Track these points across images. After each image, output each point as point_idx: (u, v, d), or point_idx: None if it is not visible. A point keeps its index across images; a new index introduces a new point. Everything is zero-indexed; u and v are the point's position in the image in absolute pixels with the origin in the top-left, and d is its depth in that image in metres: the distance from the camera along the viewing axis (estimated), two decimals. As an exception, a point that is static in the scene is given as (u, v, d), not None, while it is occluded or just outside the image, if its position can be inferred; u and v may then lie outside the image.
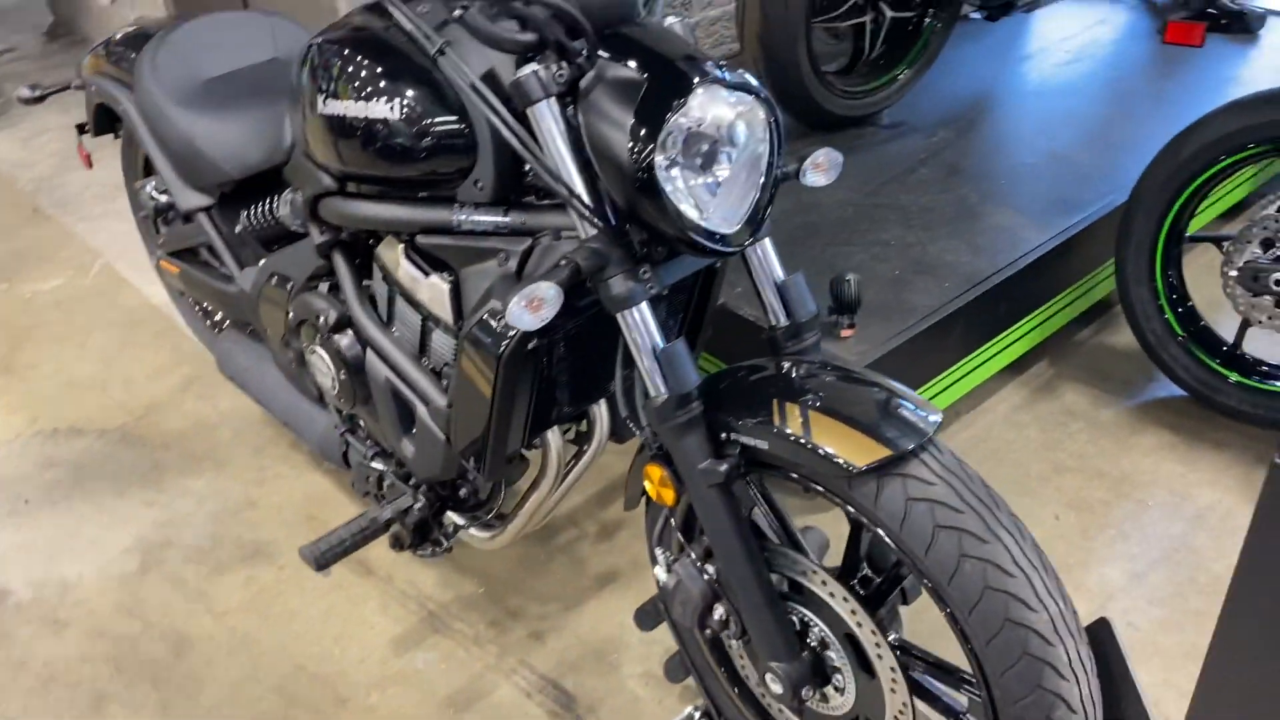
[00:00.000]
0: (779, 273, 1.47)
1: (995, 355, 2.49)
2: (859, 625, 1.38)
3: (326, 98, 1.51)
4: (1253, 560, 0.86)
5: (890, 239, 2.54)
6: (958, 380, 2.41)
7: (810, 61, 2.85)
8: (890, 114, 3.14)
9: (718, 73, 1.27)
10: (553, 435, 1.73)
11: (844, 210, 2.67)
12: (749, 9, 2.81)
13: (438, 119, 1.42)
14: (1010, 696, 1.22)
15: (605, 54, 1.30)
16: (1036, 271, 2.48)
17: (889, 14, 3.00)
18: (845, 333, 2.17)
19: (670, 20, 1.43)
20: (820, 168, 1.46)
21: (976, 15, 3.22)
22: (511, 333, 1.43)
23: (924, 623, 1.83)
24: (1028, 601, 1.19)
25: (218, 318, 2.59)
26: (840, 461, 1.25)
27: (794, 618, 1.44)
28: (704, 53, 1.32)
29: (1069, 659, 1.21)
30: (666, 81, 1.26)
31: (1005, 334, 2.49)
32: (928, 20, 3.10)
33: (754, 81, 1.31)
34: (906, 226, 2.59)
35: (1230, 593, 0.93)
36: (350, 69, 1.47)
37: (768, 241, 1.47)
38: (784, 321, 1.47)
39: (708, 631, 1.48)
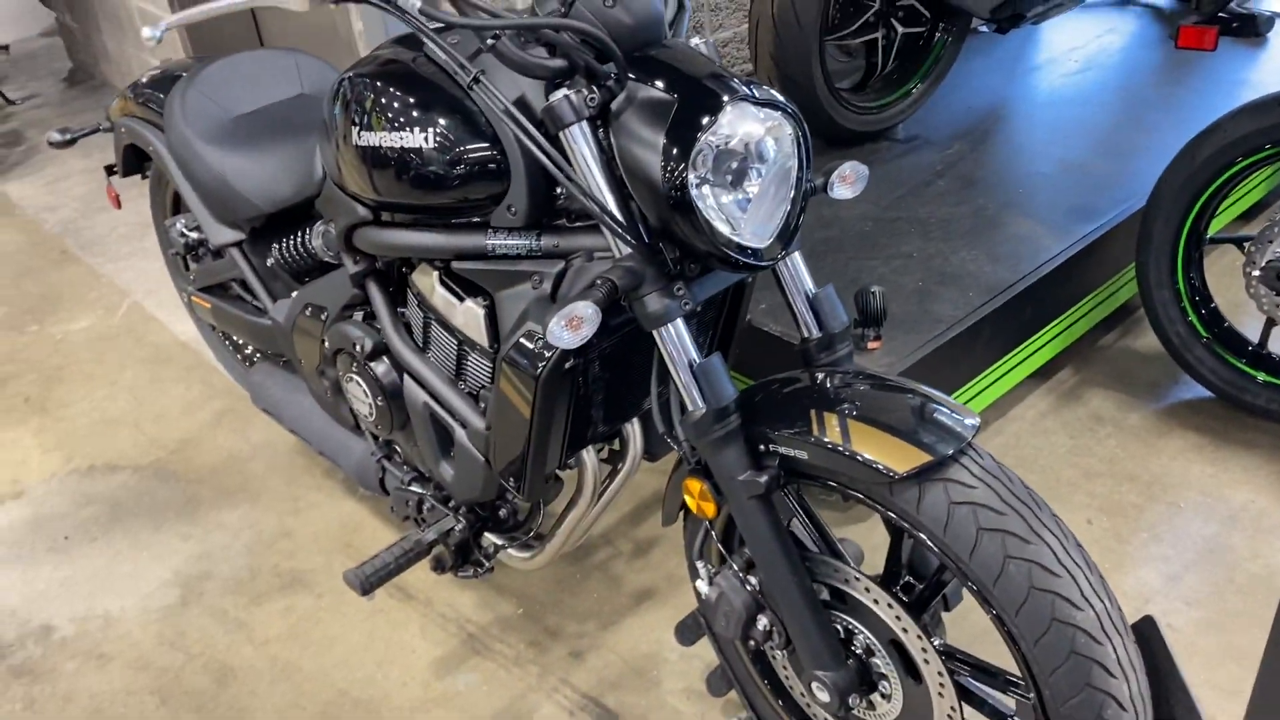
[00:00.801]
0: (810, 285, 1.49)
1: (1020, 363, 2.50)
2: (904, 631, 1.39)
3: (360, 130, 1.54)
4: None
5: (911, 251, 2.56)
6: (984, 389, 2.42)
7: (824, 78, 2.88)
8: (905, 128, 3.17)
9: (746, 90, 1.30)
10: (588, 454, 1.75)
11: (864, 224, 2.69)
12: (761, 29, 2.85)
13: (471, 146, 1.45)
14: (1060, 696, 1.23)
15: (634, 77, 1.33)
16: (1058, 278, 2.50)
17: (900, 30, 3.03)
18: (872, 345, 2.19)
19: (695, 41, 1.46)
20: (847, 180, 1.49)
21: (986, 28, 3.25)
22: (549, 353, 1.45)
23: (963, 629, 1.85)
24: (1073, 600, 1.20)
25: (249, 351, 2.62)
26: (881, 468, 1.26)
27: (838, 626, 1.45)
28: (730, 71, 1.35)
29: (1117, 657, 1.22)
30: (696, 101, 1.28)
31: (1029, 341, 2.50)
32: (938, 35, 3.14)
33: (781, 98, 1.34)
34: (927, 238, 2.61)
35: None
36: (383, 101, 1.50)
37: (798, 255, 1.49)
38: (816, 333, 1.49)
39: (751, 643, 1.49)
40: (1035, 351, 2.53)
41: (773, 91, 1.34)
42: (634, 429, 1.78)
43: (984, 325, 2.33)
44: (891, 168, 2.97)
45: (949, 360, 2.29)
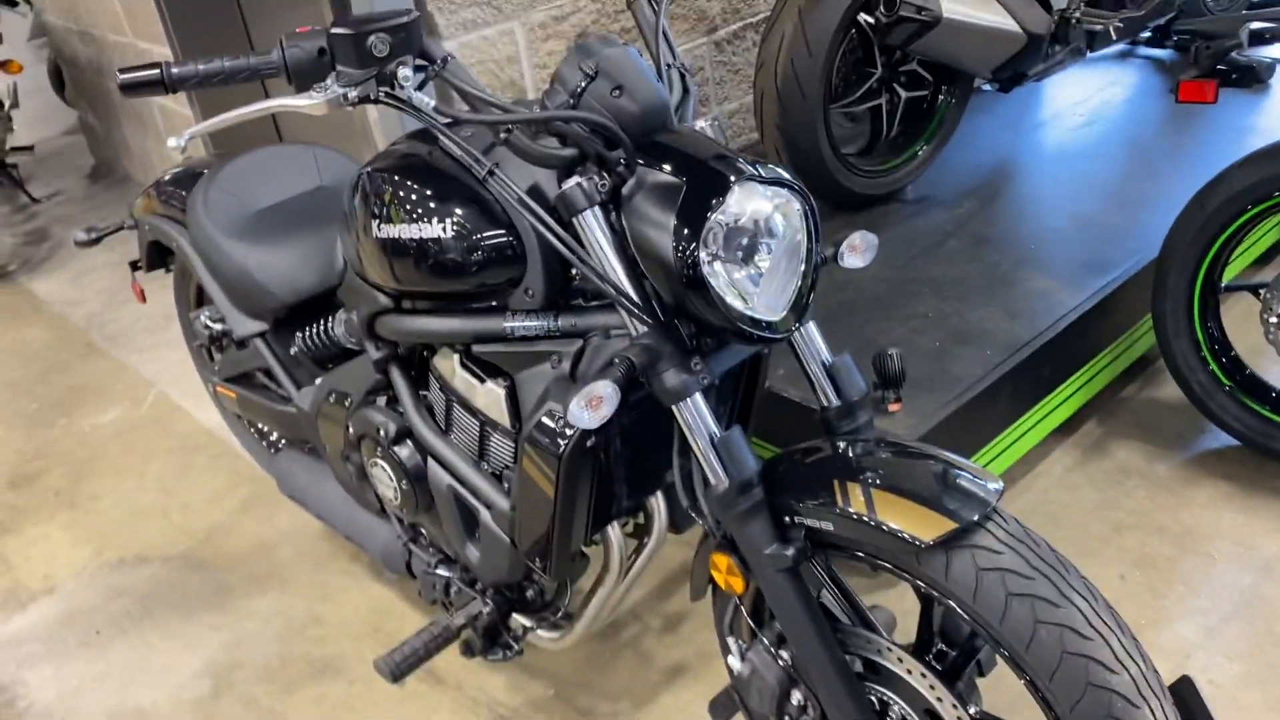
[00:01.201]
0: (826, 354, 1.51)
1: (1043, 419, 2.49)
2: (939, 700, 1.38)
3: (380, 222, 1.58)
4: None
5: (927, 311, 2.58)
6: (1009, 447, 2.41)
7: (830, 145, 2.92)
8: (914, 189, 3.20)
9: (752, 170, 1.33)
10: (613, 530, 1.75)
11: (879, 286, 2.71)
12: (766, 100, 2.90)
13: (487, 234, 1.48)
14: (1100, 762, 1.21)
15: (643, 161, 1.36)
16: (1075, 332, 2.50)
17: (903, 94, 3.08)
18: (893, 407, 2.17)
19: (701, 124, 1.49)
20: (856, 250, 1.51)
21: (989, 87, 3.30)
22: (571, 432, 1.47)
23: (1001, 694, 1.82)
24: (1107, 664, 1.19)
25: (274, 438, 2.65)
26: (907, 537, 1.26)
27: (873, 698, 1.44)
28: (736, 152, 1.38)
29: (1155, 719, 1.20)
30: (704, 182, 1.31)
31: (1051, 397, 2.50)
32: (941, 97, 3.18)
33: (787, 175, 1.37)
34: (941, 298, 2.63)
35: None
36: (401, 194, 1.54)
37: (812, 325, 1.50)
38: (835, 402, 1.50)
39: (786, 718, 1.48)
40: (1057, 407, 2.53)
41: (779, 170, 1.37)
42: (658, 502, 1.78)
43: (1004, 383, 2.34)
44: (903, 229, 3.00)
45: (971, 420, 2.28)
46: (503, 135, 1.37)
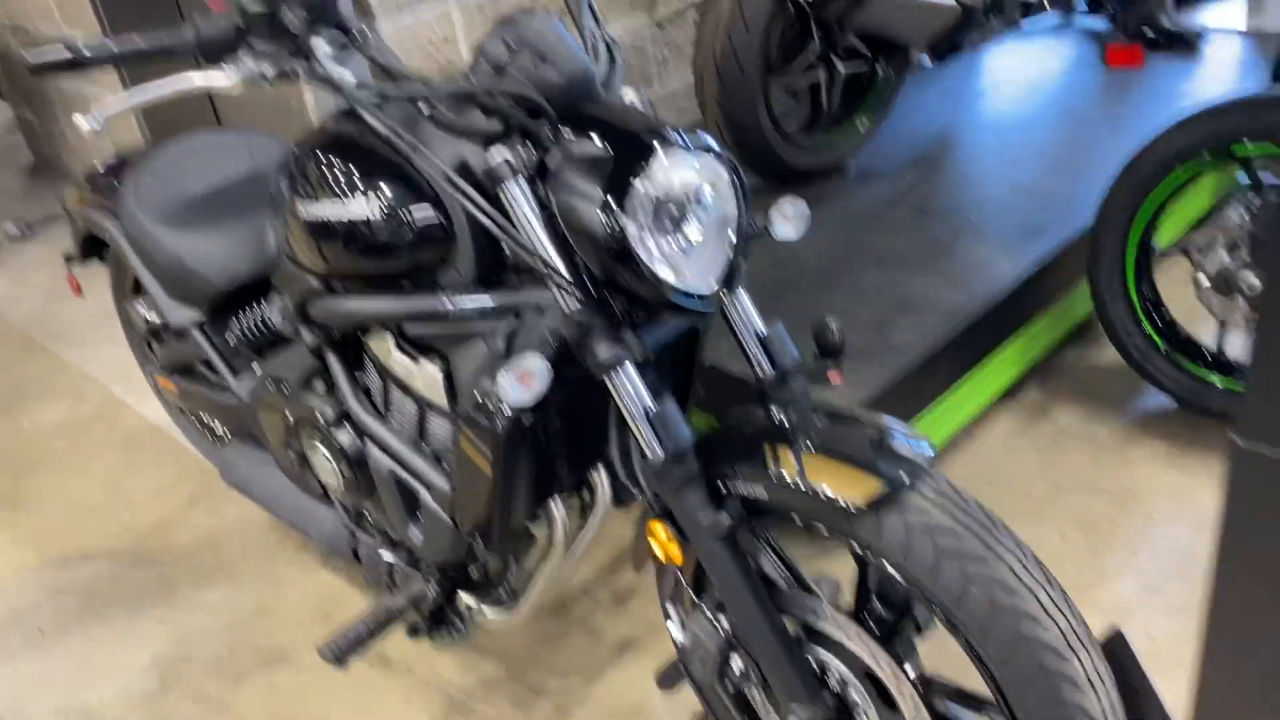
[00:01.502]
0: (760, 325, 1.51)
1: (984, 385, 2.53)
2: (876, 661, 1.40)
3: (307, 203, 1.56)
4: (1229, 548, 0.87)
5: (869, 283, 2.60)
6: (951, 412, 2.44)
7: (771, 120, 2.93)
8: (856, 163, 3.22)
9: (678, 139, 1.32)
10: (556, 506, 1.75)
11: (821, 260, 2.72)
12: (706, 78, 2.91)
13: (416, 212, 1.47)
14: (1032, 714, 1.23)
15: (569, 133, 1.35)
16: (1014, 299, 2.53)
17: (841, 69, 3.08)
18: (834, 377, 2.20)
19: (629, 95, 1.49)
20: (787, 219, 1.51)
21: (926, 60, 3.31)
22: (507, 410, 1.46)
23: (945, 655, 1.84)
24: (1037, 618, 1.21)
25: (219, 431, 2.62)
26: (839, 500, 1.27)
27: (812, 661, 1.46)
28: (663, 122, 1.38)
29: (1085, 671, 1.22)
30: (629, 152, 1.31)
31: (991, 362, 2.53)
32: (880, 71, 3.20)
33: (714, 144, 1.37)
34: (883, 269, 2.65)
35: (1213, 588, 0.93)
36: (327, 173, 1.52)
37: (745, 296, 1.51)
38: (770, 371, 1.50)
39: (729, 684, 1.49)
40: (998, 372, 2.56)
41: (707, 138, 1.36)
42: (601, 477, 1.78)
43: (944, 350, 2.36)
44: (845, 203, 3.02)
45: (912, 387, 2.31)
46: (426, 111, 1.36)
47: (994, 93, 3.62)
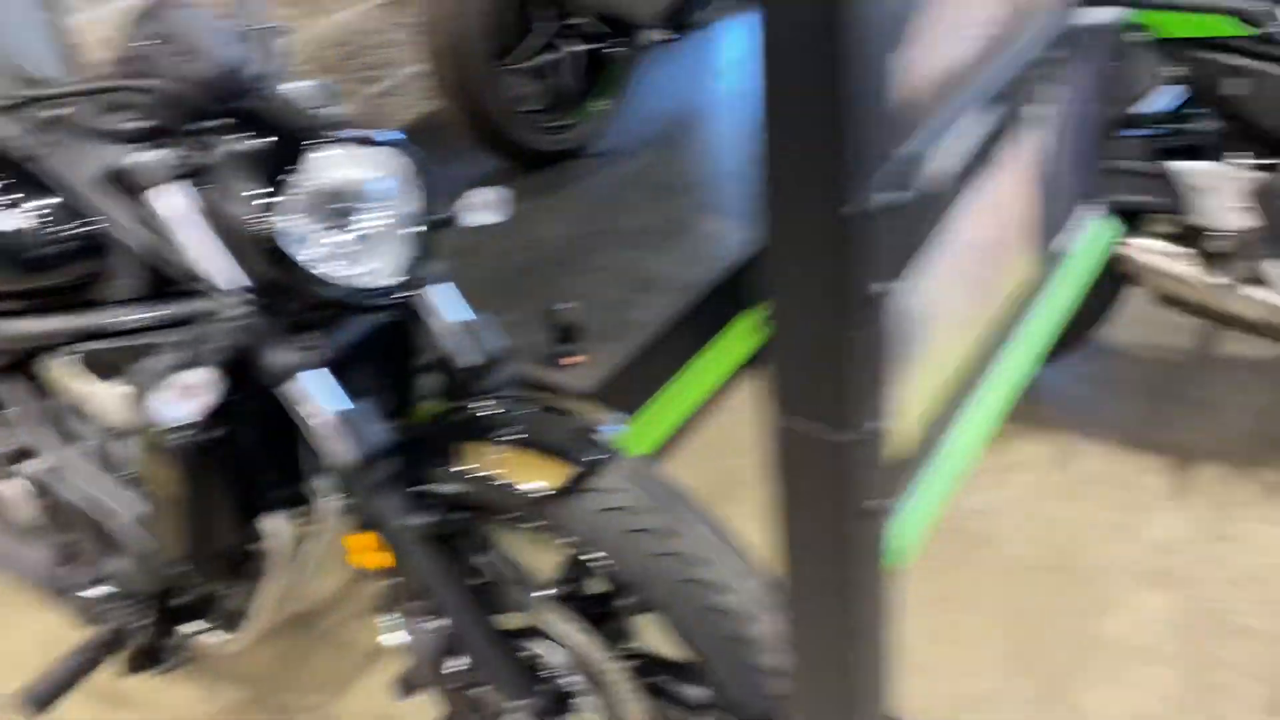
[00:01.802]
0: (460, 316, 1.48)
1: (726, 355, 2.58)
2: (588, 645, 1.40)
3: (-56, 220, 1.42)
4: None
5: (608, 264, 2.61)
6: (692, 385, 2.48)
7: (506, 104, 2.89)
8: (598, 144, 3.22)
9: (338, 132, 1.27)
10: (274, 521, 1.67)
11: (562, 243, 2.72)
12: (438, 62, 2.84)
13: (64, 224, 1.36)
14: (732, 679, 1.26)
15: (226, 132, 1.28)
16: (751, 269, 2.60)
17: (566, 50, 3.06)
18: (569, 361, 2.20)
19: (305, 87, 1.42)
20: (477, 206, 1.48)
21: (658, 36, 3.32)
22: (184, 427, 1.38)
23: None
24: (722, 585, 1.24)
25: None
26: (531, 490, 1.27)
27: (528, 653, 1.44)
28: (329, 116, 1.32)
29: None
30: (286, 148, 1.25)
31: (732, 332, 2.58)
32: (616, 49, 3.20)
33: (384, 135, 1.33)
34: (624, 248, 2.67)
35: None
36: (-37, 186, 1.39)
37: (446, 287, 1.47)
38: (471, 362, 1.47)
39: (452, 686, 1.46)
40: (739, 340, 2.62)
41: (376, 132, 1.32)
42: (317, 488, 1.71)
43: (681, 325, 2.40)
44: (586, 184, 3.02)
45: (651, 364, 2.34)
46: (63, 113, 1.25)
47: (734, 68, 3.70)
